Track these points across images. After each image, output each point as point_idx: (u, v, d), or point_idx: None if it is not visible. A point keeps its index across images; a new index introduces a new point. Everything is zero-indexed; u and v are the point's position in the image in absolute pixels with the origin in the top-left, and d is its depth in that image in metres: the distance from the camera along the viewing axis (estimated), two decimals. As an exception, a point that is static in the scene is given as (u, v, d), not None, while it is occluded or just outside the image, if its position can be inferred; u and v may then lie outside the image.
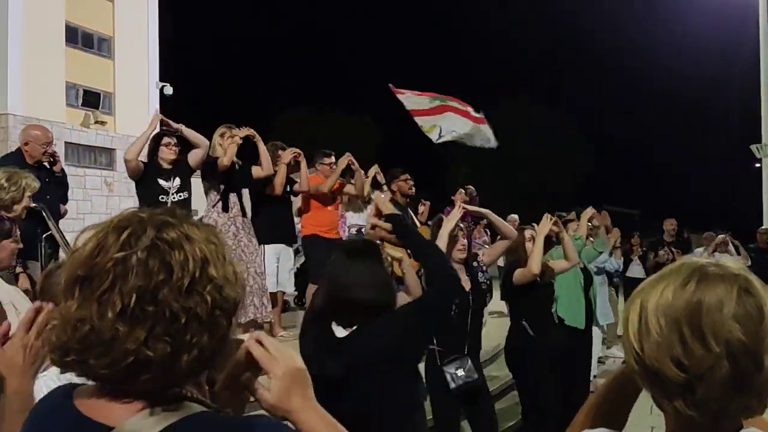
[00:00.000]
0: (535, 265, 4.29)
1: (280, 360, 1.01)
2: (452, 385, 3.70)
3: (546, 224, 4.45)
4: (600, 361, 8.11)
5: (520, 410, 4.76)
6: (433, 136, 7.20)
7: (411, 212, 6.19)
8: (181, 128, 5.10)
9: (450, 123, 7.16)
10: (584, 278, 5.44)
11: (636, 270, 9.62)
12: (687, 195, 36.21)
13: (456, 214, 3.77)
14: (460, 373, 3.71)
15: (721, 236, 9.39)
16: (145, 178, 5.04)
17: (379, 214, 2.58)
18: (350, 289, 2.18)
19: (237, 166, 5.42)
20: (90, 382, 0.94)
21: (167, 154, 5.07)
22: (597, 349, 6.70)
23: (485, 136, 7.19)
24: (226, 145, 5.26)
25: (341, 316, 2.20)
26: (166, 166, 5.09)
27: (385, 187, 7.00)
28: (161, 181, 5.03)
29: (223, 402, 1.04)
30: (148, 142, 5.20)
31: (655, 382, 0.96)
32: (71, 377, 0.96)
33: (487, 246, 11.29)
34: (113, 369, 0.86)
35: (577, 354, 5.13)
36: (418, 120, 7.16)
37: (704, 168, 39.17)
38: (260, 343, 1.01)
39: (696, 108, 40.06)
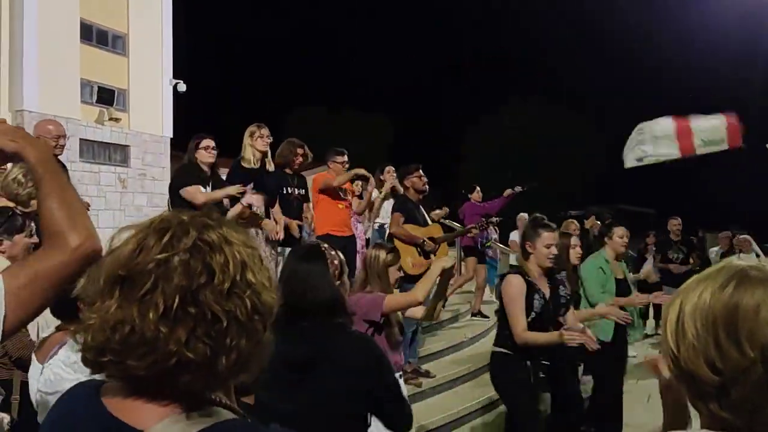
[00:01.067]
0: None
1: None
2: (524, 383, 3.72)
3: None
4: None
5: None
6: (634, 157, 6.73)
7: (423, 209, 6.16)
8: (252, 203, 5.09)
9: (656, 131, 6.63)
10: (620, 291, 5.03)
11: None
12: (703, 194, 35.88)
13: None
14: (534, 370, 3.74)
15: (744, 236, 9.30)
16: (185, 185, 4.99)
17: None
18: (301, 291, 2.27)
19: (267, 170, 5.41)
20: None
21: (206, 157, 5.04)
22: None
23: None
24: (255, 146, 5.27)
25: (294, 317, 2.25)
26: (205, 169, 5.04)
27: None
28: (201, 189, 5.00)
29: None
30: (190, 143, 5.14)
31: (690, 384, 0.96)
32: (76, 359, 0.96)
33: (496, 244, 11.27)
34: (154, 370, 0.86)
35: (606, 366, 4.75)
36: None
37: (720, 167, 38.78)
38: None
39: (712, 106, 39.63)
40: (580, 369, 4.99)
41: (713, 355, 0.92)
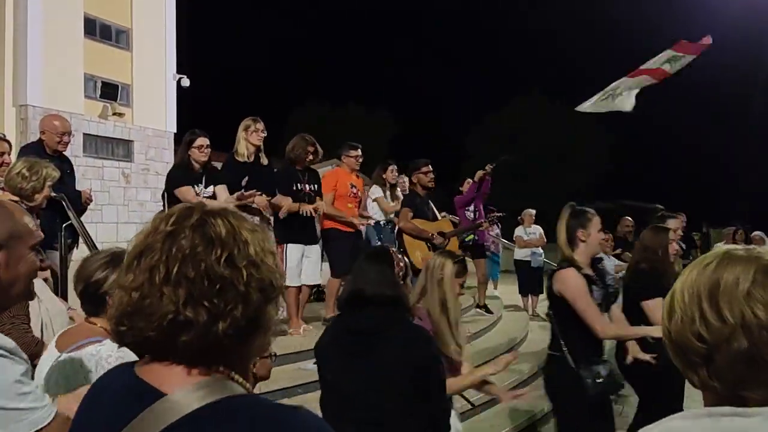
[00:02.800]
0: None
1: None
2: (590, 391, 3.29)
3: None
4: None
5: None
6: (596, 104, 6.93)
7: (432, 204, 6.15)
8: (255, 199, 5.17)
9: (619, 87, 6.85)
10: None
11: None
12: (708, 190, 35.80)
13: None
14: (599, 380, 3.30)
15: (758, 233, 9.30)
16: (179, 185, 5.01)
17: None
18: (366, 286, 2.50)
19: (262, 164, 5.40)
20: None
21: (198, 156, 5.05)
22: None
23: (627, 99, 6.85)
24: (249, 139, 5.26)
25: (355, 309, 2.51)
26: (197, 167, 5.05)
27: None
28: (194, 187, 5.01)
29: None
30: (183, 141, 5.18)
31: (681, 355, 1.05)
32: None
33: (499, 238, 11.24)
34: (158, 331, 0.97)
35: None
36: (625, 80, 6.93)
37: (726, 162, 38.68)
38: None
39: (717, 101, 39.53)
40: None
41: (698, 326, 1.01)
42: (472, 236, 7.65)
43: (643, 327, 3.56)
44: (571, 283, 3.35)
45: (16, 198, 3.71)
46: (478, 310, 8.23)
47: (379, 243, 6.73)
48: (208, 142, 5.11)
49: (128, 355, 1.08)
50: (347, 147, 6.21)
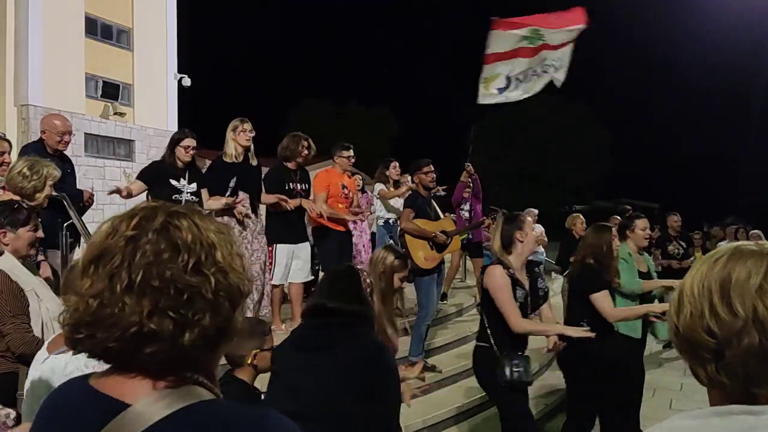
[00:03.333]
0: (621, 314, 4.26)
1: None
2: (506, 378, 3.58)
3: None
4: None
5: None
6: (487, 91, 7.03)
7: (435, 204, 6.15)
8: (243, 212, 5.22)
9: (520, 66, 6.98)
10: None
11: None
12: (708, 188, 35.77)
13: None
14: (516, 370, 3.60)
15: (756, 231, 9.32)
16: (158, 179, 5.06)
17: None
18: (331, 299, 2.55)
19: (251, 165, 5.41)
20: (102, 366, 0.98)
21: (183, 155, 5.08)
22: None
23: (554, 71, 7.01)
24: (237, 140, 5.28)
25: (320, 317, 2.57)
26: (179, 165, 5.08)
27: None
28: (173, 181, 5.03)
29: None
30: (171, 138, 5.22)
31: (689, 351, 1.02)
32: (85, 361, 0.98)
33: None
34: (120, 342, 0.91)
35: (632, 362, 4.64)
36: (486, 68, 7.09)
37: (726, 160, 38.64)
38: None
39: (718, 100, 39.48)
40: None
41: (708, 320, 0.98)
42: (465, 235, 7.65)
43: (557, 326, 3.94)
44: (496, 276, 3.70)
45: (17, 197, 3.72)
46: (478, 307, 8.21)
47: (390, 242, 6.75)
48: (195, 144, 5.14)
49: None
50: (340, 147, 6.21)
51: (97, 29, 17.14)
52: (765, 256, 0.99)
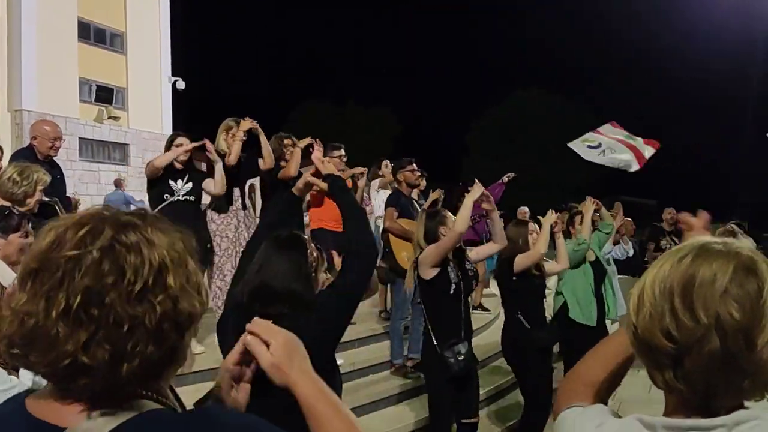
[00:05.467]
0: (541, 246, 4.47)
1: (276, 331, 1.07)
2: (454, 369, 3.75)
3: (551, 217, 4.60)
4: None
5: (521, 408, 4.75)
6: (582, 144, 7.43)
7: (417, 202, 6.10)
8: (216, 161, 5.06)
9: (613, 146, 7.40)
10: (595, 273, 5.34)
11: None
12: (703, 184, 35.85)
13: (478, 189, 4.07)
14: (460, 357, 3.78)
15: (732, 225, 9.33)
16: (159, 177, 5.03)
17: (317, 173, 2.86)
18: (275, 279, 2.21)
19: (242, 159, 5.39)
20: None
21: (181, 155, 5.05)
22: None
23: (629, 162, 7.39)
24: (230, 142, 5.23)
25: (263, 305, 2.19)
26: (177, 166, 5.06)
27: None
28: (171, 182, 5.02)
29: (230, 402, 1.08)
30: (167, 140, 5.19)
31: (647, 354, 0.96)
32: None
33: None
34: (52, 369, 0.85)
35: (581, 348, 4.99)
36: (589, 134, 7.57)
37: (721, 157, 38.72)
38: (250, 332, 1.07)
39: (712, 97, 39.58)
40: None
41: (668, 323, 0.92)
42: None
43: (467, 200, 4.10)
44: (425, 253, 3.86)
45: (8, 203, 3.71)
46: (473, 310, 8.22)
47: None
48: (188, 142, 5.13)
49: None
50: (330, 148, 6.20)
51: (91, 33, 17.12)
52: (732, 258, 0.93)
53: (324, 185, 2.85)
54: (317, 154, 3.26)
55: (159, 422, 0.87)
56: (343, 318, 2.35)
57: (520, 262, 4.49)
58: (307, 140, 5.35)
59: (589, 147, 7.50)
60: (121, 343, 0.84)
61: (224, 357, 1.92)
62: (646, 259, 9.38)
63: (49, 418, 0.87)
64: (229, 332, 2.29)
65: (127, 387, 0.88)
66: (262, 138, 5.36)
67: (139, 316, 0.85)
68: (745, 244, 0.99)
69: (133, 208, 6.03)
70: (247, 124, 5.21)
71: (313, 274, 2.29)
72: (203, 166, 5.41)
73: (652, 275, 0.98)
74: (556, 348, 5.61)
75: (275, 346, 1.05)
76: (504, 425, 5.20)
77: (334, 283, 2.36)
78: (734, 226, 8.04)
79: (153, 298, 0.87)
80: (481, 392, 5.44)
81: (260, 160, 5.42)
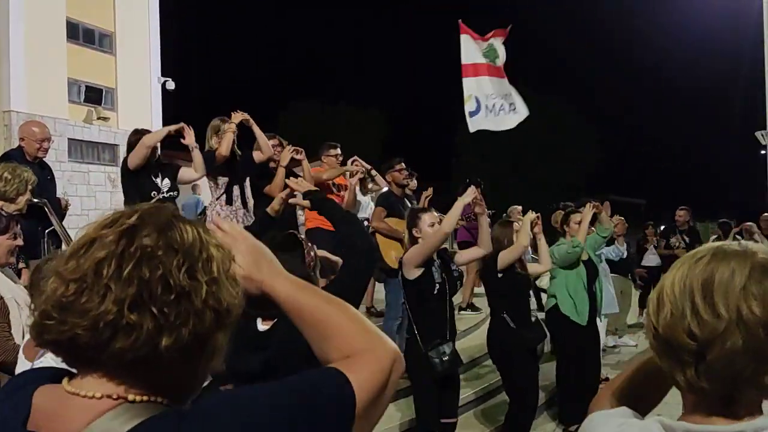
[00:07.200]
0: (523, 238, 4.53)
1: (240, 238, 1.08)
2: (438, 369, 3.78)
3: (530, 215, 4.67)
4: (613, 348, 8.11)
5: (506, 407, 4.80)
6: (469, 110, 7.23)
7: (408, 202, 6.09)
8: (195, 148, 5.02)
9: (486, 88, 7.21)
10: (588, 272, 5.38)
11: (652, 259, 9.84)
12: (692, 184, 36.08)
13: (471, 193, 4.11)
14: (445, 357, 3.81)
15: (749, 223, 9.40)
16: (142, 172, 4.99)
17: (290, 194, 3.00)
18: None
19: (238, 157, 5.37)
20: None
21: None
22: (602, 341, 6.67)
23: (517, 104, 7.32)
24: (221, 136, 5.20)
25: (261, 308, 2.16)
26: (152, 162, 5.03)
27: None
28: (153, 178, 4.99)
29: None
30: (133, 137, 5.14)
31: (668, 353, 0.98)
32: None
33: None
34: (90, 331, 0.84)
35: (586, 349, 5.16)
36: (465, 82, 7.27)
37: (710, 157, 38.99)
38: (218, 227, 1.07)
39: (701, 97, 39.84)
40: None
41: (689, 321, 0.94)
42: None
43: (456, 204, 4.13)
44: (408, 253, 3.90)
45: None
46: (461, 312, 8.21)
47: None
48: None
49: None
50: (326, 147, 6.18)
51: (79, 33, 17.01)
52: (749, 257, 0.96)
53: (305, 203, 2.89)
54: (290, 181, 3.22)
55: (174, 421, 0.85)
56: None
57: (504, 257, 4.52)
58: (239, 115, 5.16)
59: (470, 113, 7.23)
60: (166, 311, 0.85)
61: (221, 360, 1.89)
62: (654, 254, 9.58)
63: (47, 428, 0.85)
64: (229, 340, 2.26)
65: (156, 368, 0.87)
66: (256, 129, 5.28)
67: (186, 287, 0.87)
68: (760, 246, 1.00)
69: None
70: (238, 116, 5.13)
71: (311, 275, 2.27)
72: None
73: (671, 277, 1.00)
74: (547, 347, 5.65)
75: (238, 258, 1.01)
76: (492, 426, 5.21)
77: (334, 282, 2.36)
78: (752, 224, 8.13)
79: (200, 277, 0.88)
80: (470, 392, 5.47)
81: (255, 153, 5.38)
